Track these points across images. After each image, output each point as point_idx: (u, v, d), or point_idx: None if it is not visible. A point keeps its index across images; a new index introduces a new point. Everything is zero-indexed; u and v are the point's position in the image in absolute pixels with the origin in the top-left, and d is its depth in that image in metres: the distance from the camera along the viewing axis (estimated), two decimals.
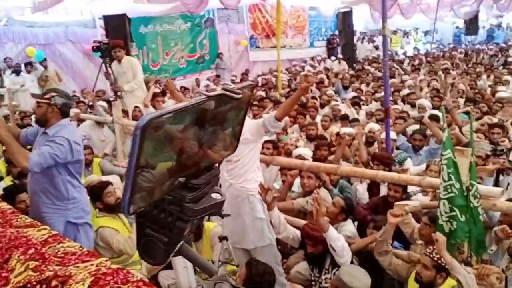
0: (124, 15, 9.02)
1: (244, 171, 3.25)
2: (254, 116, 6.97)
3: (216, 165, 1.04)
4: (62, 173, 3.08)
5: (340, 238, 3.03)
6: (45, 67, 10.71)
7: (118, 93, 6.69)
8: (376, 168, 4.22)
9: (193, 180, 0.94)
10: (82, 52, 11.98)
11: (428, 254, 2.67)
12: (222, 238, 3.35)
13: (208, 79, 14.07)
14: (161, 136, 0.82)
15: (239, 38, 15.90)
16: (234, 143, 1.10)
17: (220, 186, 3.55)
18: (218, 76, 14.54)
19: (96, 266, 2.01)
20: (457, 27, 25.28)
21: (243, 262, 3.45)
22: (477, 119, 5.94)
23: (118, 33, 8.66)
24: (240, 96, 0.94)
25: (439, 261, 2.61)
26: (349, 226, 3.70)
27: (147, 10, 11.79)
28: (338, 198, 3.74)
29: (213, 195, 1.00)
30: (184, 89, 12.02)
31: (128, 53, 7.66)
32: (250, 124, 3.23)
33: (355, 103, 8.04)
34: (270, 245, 3.38)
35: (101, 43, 6.46)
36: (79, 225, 3.22)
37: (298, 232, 3.30)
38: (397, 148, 5.57)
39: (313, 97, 9.18)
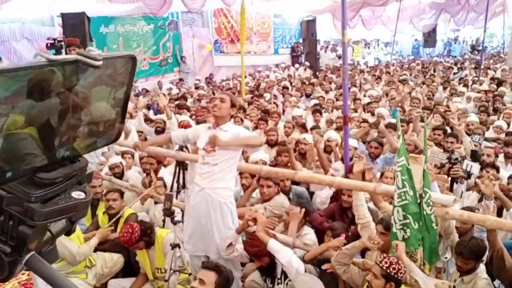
0: (83, 13, 8.72)
1: (219, 177, 3.18)
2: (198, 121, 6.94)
3: (83, 157, 0.81)
4: None
5: (285, 249, 2.94)
6: None
7: None
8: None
9: (42, 174, 0.72)
10: (38, 50, 11.50)
11: (378, 263, 2.65)
12: (175, 246, 3.24)
13: (171, 82, 13.86)
14: None
15: (204, 42, 15.77)
16: (111, 129, 0.84)
17: (184, 187, 3.47)
18: (181, 79, 14.36)
19: None
20: (416, 40, 26.19)
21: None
22: (432, 129, 6.08)
23: (77, 32, 8.36)
24: (100, 63, 0.70)
25: (388, 271, 2.59)
26: (310, 234, 3.67)
27: (109, 10, 11.48)
28: (291, 206, 3.70)
29: (75, 193, 0.77)
30: (146, 92, 11.78)
31: None
32: (233, 130, 3.25)
33: (316, 110, 8.09)
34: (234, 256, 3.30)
35: (56, 40, 6.20)
36: None
37: None
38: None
39: (275, 103, 9.21)
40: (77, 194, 0.78)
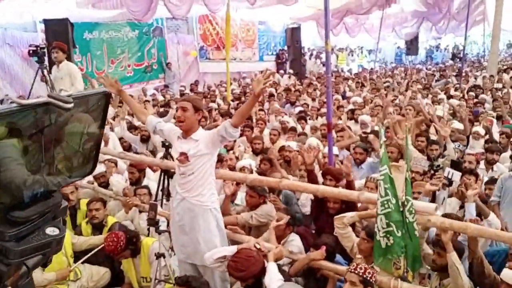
0: (66, 19, 8.65)
1: (199, 185, 3.14)
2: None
3: (57, 192, 0.82)
4: None
5: (274, 274, 2.81)
6: None
7: None
8: (328, 183, 4.24)
9: (16, 212, 0.73)
10: (21, 56, 11.36)
11: (352, 270, 2.67)
12: (159, 255, 3.22)
13: (155, 89, 13.81)
14: None
15: (189, 48, 15.76)
16: (85, 163, 0.87)
17: (169, 197, 3.40)
18: (166, 86, 14.31)
19: None
20: (398, 47, 26.58)
21: None
22: (416, 136, 6.17)
23: (60, 38, 8.28)
24: (71, 106, 0.73)
25: (365, 275, 2.62)
26: (296, 241, 3.69)
27: (92, 16, 11.41)
28: (280, 214, 3.71)
29: (49, 230, 0.79)
30: None
31: (69, 59, 7.34)
32: (204, 135, 3.15)
33: (301, 117, 8.15)
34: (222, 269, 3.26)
35: (38, 47, 6.12)
36: None
37: None
38: (341, 162, 5.67)
39: (261, 110, 9.24)
40: (51, 231, 0.79)
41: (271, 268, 2.83)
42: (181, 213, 3.21)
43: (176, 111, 3.17)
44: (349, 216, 3.32)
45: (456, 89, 12.26)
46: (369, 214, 3.21)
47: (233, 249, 3.02)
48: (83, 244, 3.97)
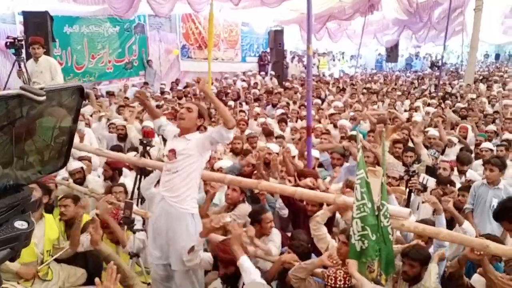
0: (46, 12, 8.48)
1: (181, 186, 3.12)
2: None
3: (26, 186, 0.81)
4: None
5: (252, 271, 2.78)
6: None
7: None
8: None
9: None
10: None
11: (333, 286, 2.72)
12: (133, 255, 3.18)
13: (134, 85, 13.63)
14: None
15: (171, 47, 15.64)
16: (57, 157, 0.85)
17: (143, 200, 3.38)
18: (146, 83, 14.16)
19: None
20: (379, 54, 26.97)
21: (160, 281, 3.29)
22: (393, 142, 6.26)
23: (39, 31, 8.13)
24: (43, 98, 0.72)
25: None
26: (276, 239, 3.68)
27: (73, 10, 11.20)
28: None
29: (17, 223, 0.77)
30: (110, 95, 11.54)
31: (47, 53, 7.19)
32: (196, 137, 3.18)
33: (282, 119, 8.19)
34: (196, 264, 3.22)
35: (16, 39, 5.99)
36: None
37: (210, 255, 3.20)
38: (320, 165, 5.72)
39: (242, 111, 9.24)
40: (20, 224, 0.78)
41: (245, 264, 2.78)
42: (159, 215, 3.20)
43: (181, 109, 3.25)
44: (321, 213, 3.36)
45: (432, 97, 12.51)
46: (336, 207, 3.24)
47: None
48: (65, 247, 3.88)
